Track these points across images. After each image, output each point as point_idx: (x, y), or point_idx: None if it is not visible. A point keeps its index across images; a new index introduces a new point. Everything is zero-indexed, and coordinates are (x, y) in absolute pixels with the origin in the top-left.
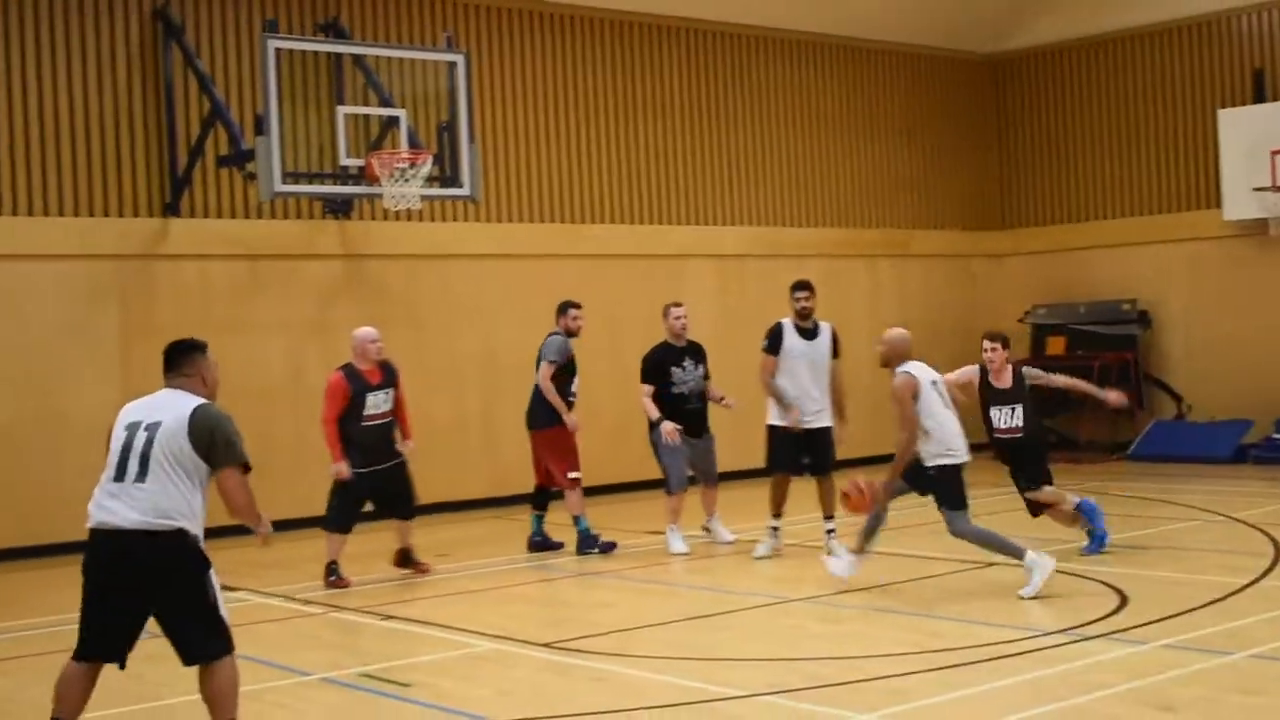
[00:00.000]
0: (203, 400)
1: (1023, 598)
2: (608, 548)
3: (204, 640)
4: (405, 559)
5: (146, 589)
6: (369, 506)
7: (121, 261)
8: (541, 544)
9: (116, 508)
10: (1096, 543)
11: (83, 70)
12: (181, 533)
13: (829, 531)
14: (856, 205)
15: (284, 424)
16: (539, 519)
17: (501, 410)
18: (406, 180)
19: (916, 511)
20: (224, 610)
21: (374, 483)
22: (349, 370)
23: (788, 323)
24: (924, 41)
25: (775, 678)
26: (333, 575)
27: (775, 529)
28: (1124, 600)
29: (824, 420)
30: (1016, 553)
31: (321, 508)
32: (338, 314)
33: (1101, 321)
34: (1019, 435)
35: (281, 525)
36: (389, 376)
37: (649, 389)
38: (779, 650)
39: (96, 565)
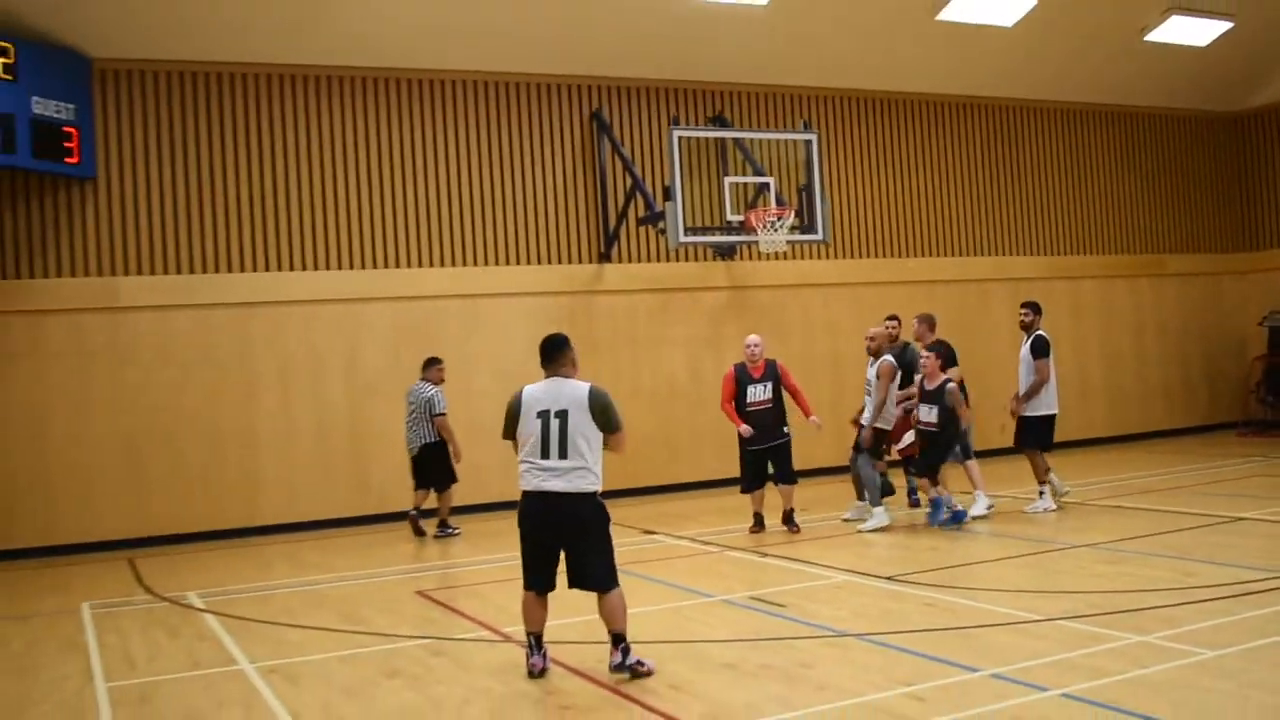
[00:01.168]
0: (588, 383)
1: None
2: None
3: (603, 575)
4: (788, 518)
5: (567, 536)
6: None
7: (570, 296)
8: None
9: (546, 479)
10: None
11: (543, 159)
12: (593, 494)
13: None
14: (1122, 236)
15: (685, 413)
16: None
17: (847, 399)
18: (775, 230)
19: (1173, 476)
20: (615, 554)
21: (762, 457)
22: (739, 366)
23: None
24: (1179, 105)
25: (1068, 605)
26: (756, 525)
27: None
28: None
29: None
30: (875, 501)
31: (712, 474)
32: (726, 331)
33: None
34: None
35: (683, 487)
36: (769, 372)
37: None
38: (1070, 585)
39: (531, 519)
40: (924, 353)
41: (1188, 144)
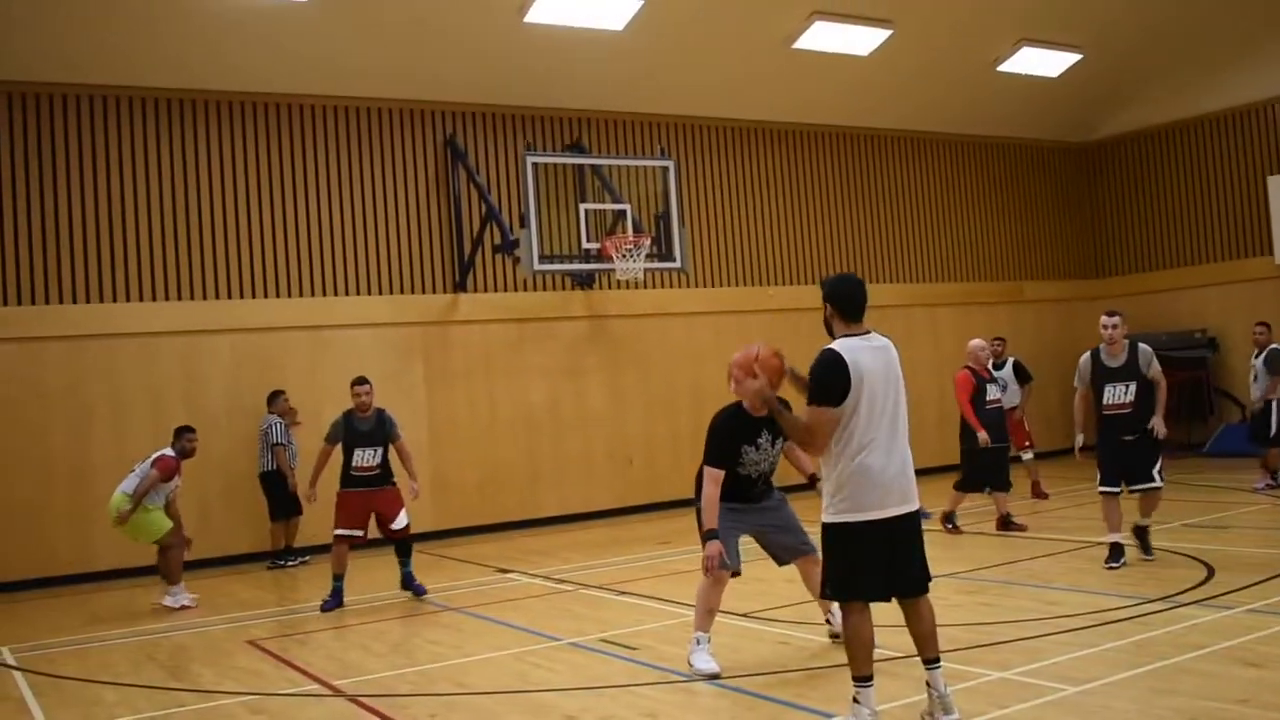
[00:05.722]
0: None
1: None
2: None
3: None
4: (1006, 523)
5: None
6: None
7: (425, 327)
8: None
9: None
10: None
11: (394, 186)
12: None
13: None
14: (979, 263)
15: (545, 445)
16: None
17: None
18: (633, 258)
19: (1032, 501)
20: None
21: (996, 457)
22: (972, 370)
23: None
24: (1032, 135)
25: None
26: (950, 524)
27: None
28: (1211, 572)
29: None
30: None
31: (574, 508)
32: (585, 361)
33: (1179, 347)
34: None
35: (544, 521)
36: (993, 375)
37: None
38: None
39: None
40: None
41: (1041, 173)
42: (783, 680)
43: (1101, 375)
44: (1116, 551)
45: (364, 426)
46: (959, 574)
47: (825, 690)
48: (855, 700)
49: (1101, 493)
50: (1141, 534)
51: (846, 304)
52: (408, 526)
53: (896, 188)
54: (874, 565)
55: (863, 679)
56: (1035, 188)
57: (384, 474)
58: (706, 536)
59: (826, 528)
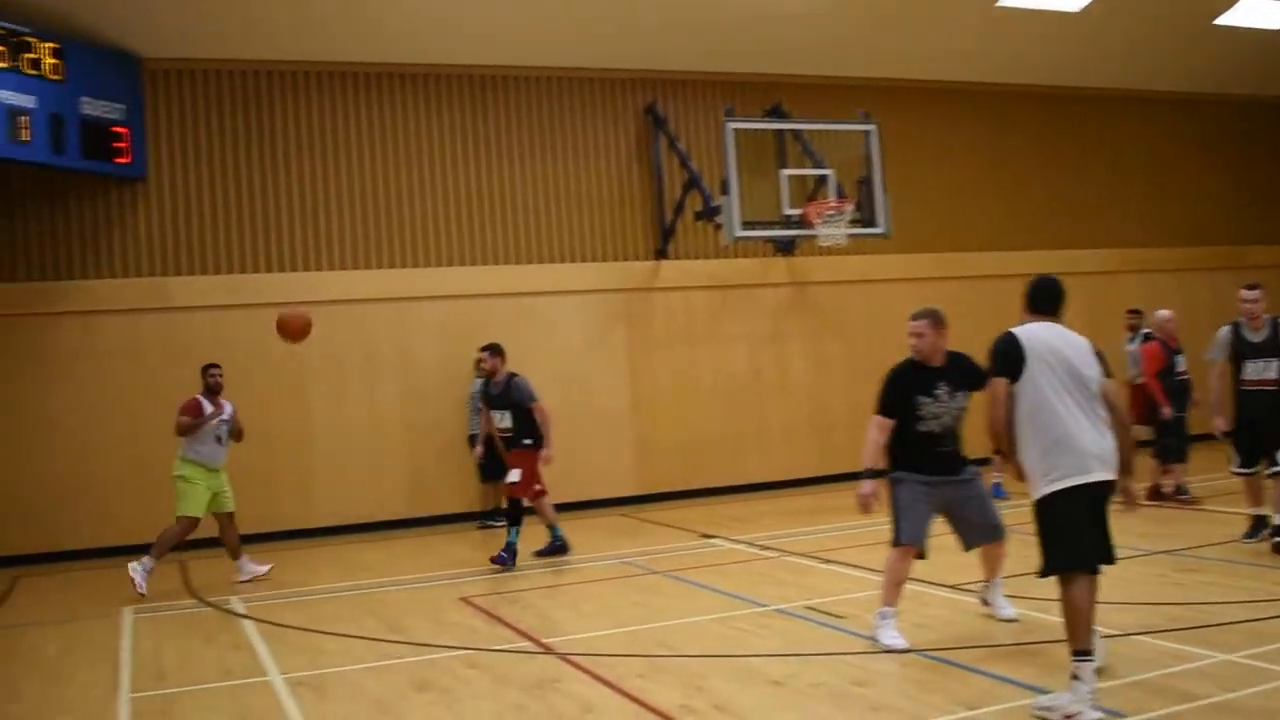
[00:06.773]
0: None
1: None
2: None
3: None
4: (1156, 493)
5: None
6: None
7: (627, 294)
8: None
9: None
10: None
11: (597, 157)
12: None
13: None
14: (1198, 228)
15: (748, 411)
16: None
17: None
18: (835, 223)
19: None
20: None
21: (1182, 426)
22: (1162, 342)
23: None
24: (1255, 91)
25: (1144, 619)
26: (1183, 494)
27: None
28: None
29: None
30: None
31: (777, 475)
32: (786, 327)
33: None
34: None
35: (748, 488)
36: (1180, 347)
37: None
38: (1147, 595)
39: None
40: None
41: (1265, 132)
42: (994, 653)
43: (1243, 350)
44: (1257, 525)
45: (494, 391)
46: (1178, 551)
47: (1038, 665)
48: (1075, 676)
49: (1235, 473)
50: None
51: (1039, 296)
52: (516, 485)
53: (1107, 149)
54: (1090, 529)
55: (1083, 654)
56: (1258, 147)
57: (516, 436)
58: (865, 475)
59: (1040, 504)
